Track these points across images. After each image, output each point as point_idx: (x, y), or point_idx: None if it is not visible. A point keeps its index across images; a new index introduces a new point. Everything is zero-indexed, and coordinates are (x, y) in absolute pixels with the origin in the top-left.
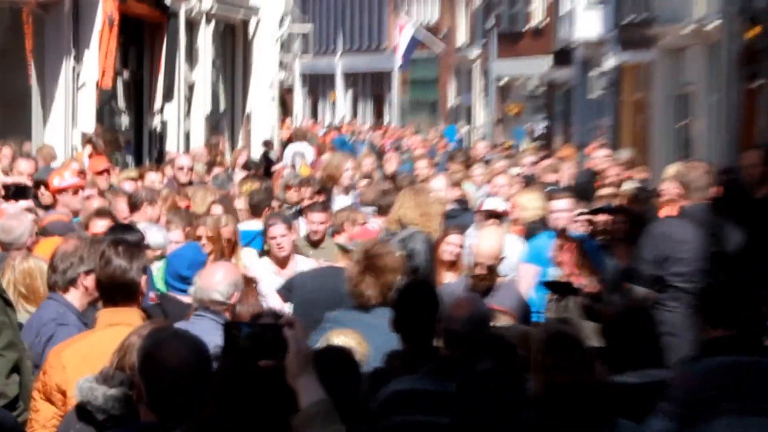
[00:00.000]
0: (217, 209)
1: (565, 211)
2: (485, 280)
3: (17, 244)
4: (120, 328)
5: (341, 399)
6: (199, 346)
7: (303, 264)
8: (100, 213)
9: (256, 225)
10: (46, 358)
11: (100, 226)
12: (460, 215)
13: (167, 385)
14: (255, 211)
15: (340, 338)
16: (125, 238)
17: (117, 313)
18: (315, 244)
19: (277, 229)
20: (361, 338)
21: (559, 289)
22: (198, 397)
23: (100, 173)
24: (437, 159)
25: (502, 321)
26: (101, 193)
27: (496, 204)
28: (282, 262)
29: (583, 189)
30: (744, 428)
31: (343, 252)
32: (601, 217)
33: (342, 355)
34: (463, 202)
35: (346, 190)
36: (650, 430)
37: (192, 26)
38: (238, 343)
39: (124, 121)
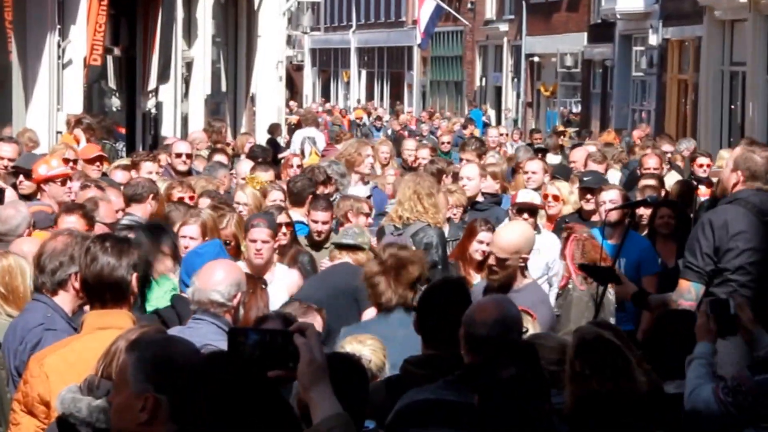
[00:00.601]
0: (205, 201)
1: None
2: (496, 274)
3: (13, 236)
4: (109, 332)
5: (347, 408)
6: (196, 348)
7: (282, 275)
8: (70, 208)
9: (299, 215)
10: (27, 366)
11: (69, 222)
12: (490, 209)
13: (190, 391)
14: (297, 199)
15: (353, 345)
16: (113, 233)
17: (105, 315)
18: (317, 245)
19: (259, 233)
20: (379, 345)
21: (597, 274)
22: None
23: (91, 161)
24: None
25: (527, 323)
26: (97, 185)
27: (530, 196)
28: (258, 271)
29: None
30: None
31: (341, 248)
32: (643, 211)
33: (349, 362)
34: (494, 195)
35: (364, 179)
36: (697, 400)
37: None
38: (245, 351)
39: (115, 102)
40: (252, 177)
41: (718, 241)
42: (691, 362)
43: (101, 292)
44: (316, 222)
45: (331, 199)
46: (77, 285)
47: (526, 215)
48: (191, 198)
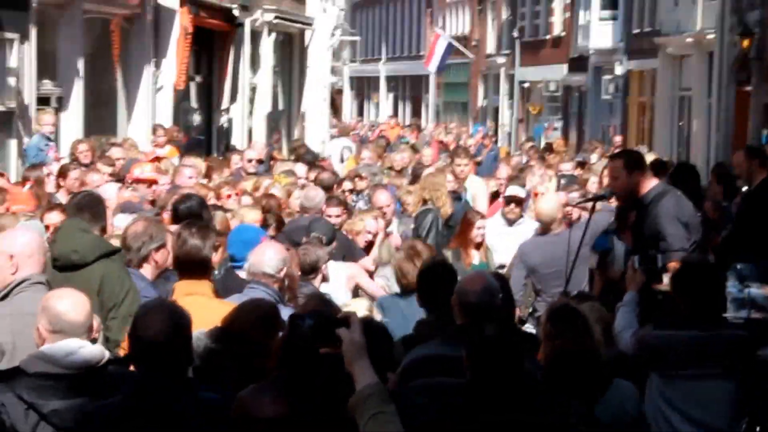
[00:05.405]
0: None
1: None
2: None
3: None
4: (196, 297)
5: (378, 364)
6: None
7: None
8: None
9: None
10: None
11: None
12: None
13: (145, 350)
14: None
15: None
16: (196, 221)
17: (192, 284)
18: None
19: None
20: (369, 306)
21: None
22: (179, 358)
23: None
24: (480, 158)
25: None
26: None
27: (515, 190)
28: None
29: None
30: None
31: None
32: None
33: (371, 325)
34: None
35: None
36: (620, 341)
37: (255, 36)
38: (302, 331)
39: (197, 119)
40: (279, 175)
41: (655, 227)
42: (620, 308)
43: (190, 267)
44: (329, 216)
45: (365, 192)
46: (157, 258)
47: (512, 205)
48: (236, 194)
